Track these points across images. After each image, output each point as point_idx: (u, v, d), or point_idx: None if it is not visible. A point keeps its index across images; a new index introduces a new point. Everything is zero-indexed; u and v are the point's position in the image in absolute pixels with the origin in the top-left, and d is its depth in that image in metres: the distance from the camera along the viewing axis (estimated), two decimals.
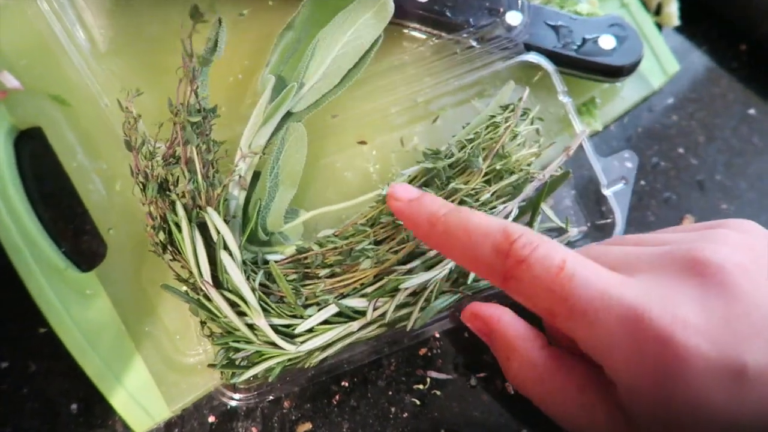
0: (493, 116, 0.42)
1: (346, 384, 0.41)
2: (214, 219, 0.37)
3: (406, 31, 0.47)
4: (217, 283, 0.37)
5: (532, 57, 0.43)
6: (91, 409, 0.41)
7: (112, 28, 0.46)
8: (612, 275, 0.27)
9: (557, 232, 0.43)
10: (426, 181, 0.39)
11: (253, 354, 0.37)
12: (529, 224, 0.40)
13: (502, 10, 0.44)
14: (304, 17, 0.43)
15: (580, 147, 0.41)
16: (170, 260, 0.38)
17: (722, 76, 0.53)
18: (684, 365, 0.24)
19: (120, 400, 0.39)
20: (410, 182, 0.40)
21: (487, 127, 0.41)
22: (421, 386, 0.43)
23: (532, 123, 0.41)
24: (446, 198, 0.37)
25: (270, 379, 0.37)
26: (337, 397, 0.42)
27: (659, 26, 0.53)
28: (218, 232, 0.37)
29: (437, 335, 0.43)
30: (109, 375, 0.39)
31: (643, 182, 0.48)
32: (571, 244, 0.43)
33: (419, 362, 0.43)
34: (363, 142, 0.45)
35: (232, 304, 0.36)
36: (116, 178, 0.43)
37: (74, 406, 0.41)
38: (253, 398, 0.39)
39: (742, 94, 0.52)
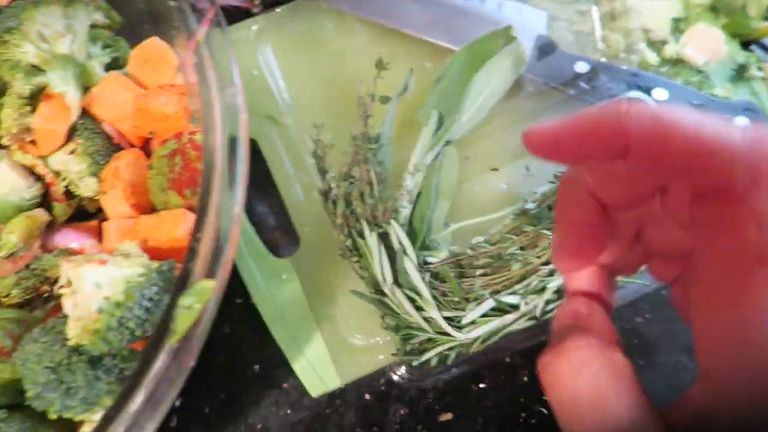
0: None
1: (484, 386, 0.48)
2: (396, 231, 0.45)
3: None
4: (397, 283, 0.45)
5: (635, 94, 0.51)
6: (271, 372, 0.49)
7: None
8: None
9: None
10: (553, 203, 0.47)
11: (425, 342, 0.44)
12: None
13: (651, 86, 0.51)
14: (456, 67, 0.53)
15: None
16: (354, 262, 0.47)
17: None
18: None
19: (300, 366, 0.47)
20: (541, 201, 0.48)
21: None
22: None
23: None
24: None
25: (448, 362, 0.44)
26: (475, 395, 0.48)
27: None
28: (399, 242, 0.45)
29: None
30: (294, 344, 0.48)
31: None
32: None
33: None
34: (495, 169, 0.54)
35: (410, 300, 0.44)
36: (314, 187, 0.52)
37: (257, 367, 0.49)
38: (426, 377, 0.46)
39: None
